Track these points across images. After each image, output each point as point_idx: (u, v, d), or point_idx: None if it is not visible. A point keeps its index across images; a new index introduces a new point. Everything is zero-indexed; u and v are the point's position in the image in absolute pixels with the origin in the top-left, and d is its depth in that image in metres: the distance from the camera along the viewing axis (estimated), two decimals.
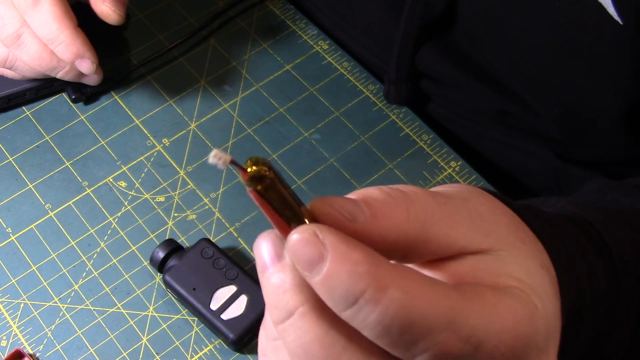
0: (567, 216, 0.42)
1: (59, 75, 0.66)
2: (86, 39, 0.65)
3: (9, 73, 0.67)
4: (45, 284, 0.61)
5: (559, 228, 0.38)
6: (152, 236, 0.63)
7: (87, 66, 0.66)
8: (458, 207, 0.31)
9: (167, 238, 0.62)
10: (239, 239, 0.63)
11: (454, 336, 0.28)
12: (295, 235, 0.28)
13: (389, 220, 0.29)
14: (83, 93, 0.69)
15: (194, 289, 0.58)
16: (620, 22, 0.50)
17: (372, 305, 0.27)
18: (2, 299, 0.60)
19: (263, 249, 0.29)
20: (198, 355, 0.58)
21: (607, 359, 0.41)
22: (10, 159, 0.67)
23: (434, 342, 0.28)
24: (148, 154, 0.67)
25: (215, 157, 0.29)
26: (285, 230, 0.29)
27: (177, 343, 0.58)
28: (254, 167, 0.29)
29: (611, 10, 0.49)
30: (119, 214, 0.64)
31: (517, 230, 0.33)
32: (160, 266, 0.60)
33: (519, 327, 0.29)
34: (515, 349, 0.29)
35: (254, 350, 0.58)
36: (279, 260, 0.29)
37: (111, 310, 0.60)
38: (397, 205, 0.30)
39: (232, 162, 0.29)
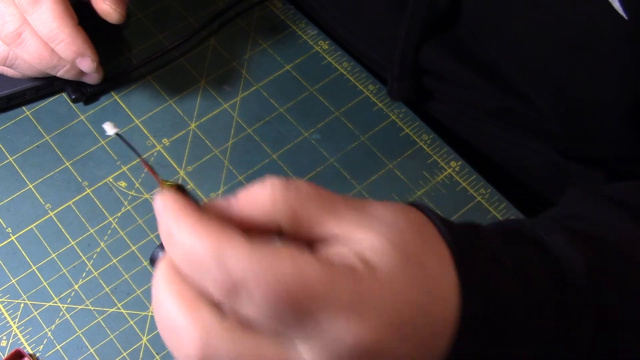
0: (516, 230, 0.43)
1: (59, 74, 0.66)
2: (87, 37, 0.65)
3: (9, 72, 0.67)
4: (45, 284, 0.61)
5: (488, 245, 0.39)
6: (152, 236, 0.63)
7: (87, 65, 0.65)
8: (344, 202, 0.37)
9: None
10: None
11: (221, 269, 0.33)
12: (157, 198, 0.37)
13: (252, 205, 0.37)
14: (83, 93, 0.69)
15: None
16: (625, 17, 0.50)
17: (170, 243, 0.35)
18: (2, 299, 0.60)
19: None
20: None
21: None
22: (10, 159, 0.67)
23: (211, 274, 0.34)
24: (148, 154, 0.67)
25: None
26: None
27: None
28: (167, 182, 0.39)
29: (616, 5, 0.49)
30: (119, 214, 0.64)
31: (406, 229, 0.36)
32: None
33: (303, 276, 0.33)
34: (296, 297, 0.33)
35: None
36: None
37: (111, 310, 0.60)
38: (265, 194, 0.36)
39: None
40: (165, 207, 0.36)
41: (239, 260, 0.33)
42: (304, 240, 0.36)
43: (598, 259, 0.41)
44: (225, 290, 0.34)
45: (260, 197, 0.37)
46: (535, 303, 0.39)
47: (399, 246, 0.35)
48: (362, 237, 0.36)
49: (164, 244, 0.36)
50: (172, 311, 0.35)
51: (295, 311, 0.33)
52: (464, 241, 0.38)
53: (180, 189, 0.39)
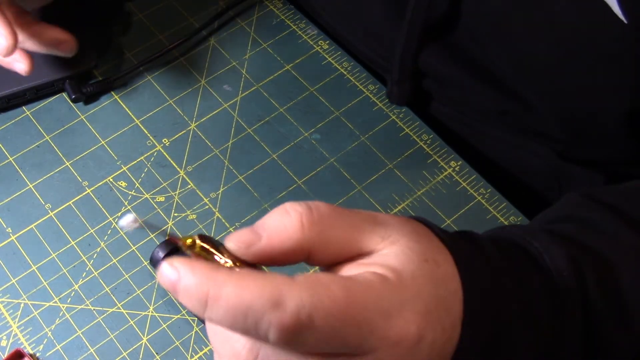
0: (516, 246, 0.44)
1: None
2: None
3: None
4: (45, 284, 0.61)
5: (484, 249, 0.41)
6: (152, 236, 0.63)
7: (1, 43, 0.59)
8: (360, 217, 0.38)
9: (167, 238, 0.62)
10: None
11: (283, 313, 0.33)
12: (161, 269, 0.35)
13: (282, 235, 0.36)
14: (83, 93, 0.69)
15: None
16: (625, 21, 0.50)
17: (216, 302, 0.34)
18: (2, 299, 0.60)
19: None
20: (198, 355, 0.58)
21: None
22: (10, 159, 0.67)
23: (270, 320, 0.33)
24: (148, 154, 0.67)
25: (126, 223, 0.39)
26: None
27: (177, 343, 0.58)
28: (188, 241, 0.38)
29: (616, 9, 0.49)
30: (119, 214, 0.64)
31: (418, 237, 0.38)
32: None
33: (351, 295, 0.34)
34: (351, 314, 0.34)
35: None
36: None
37: (111, 310, 0.60)
38: (292, 222, 0.36)
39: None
40: (195, 270, 0.35)
41: (297, 298, 0.34)
42: (332, 260, 0.38)
43: (582, 261, 0.43)
44: (286, 332, 0.34)
45: (288, 227, 0.37)
46: (528, 300, 0.41)
47: (417, 251, 0.38)
48: (386, 249, 0.37)
49: (197, 310, 0.35)
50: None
51: (356, 330, 0.35)
52: (461, 246, 0.40)
53: (204, 240, 0.38)
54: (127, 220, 0.39)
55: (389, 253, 0.37)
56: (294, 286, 0.34)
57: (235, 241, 0.37)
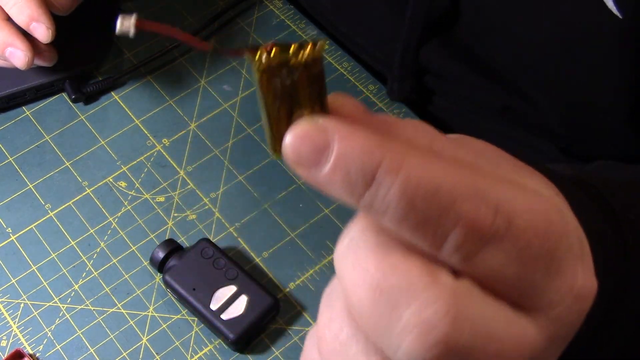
0: (569, 176, 0.39)
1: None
2: (43, 2, 0.61)
3: None
4: (45, 284, 0.61)
5: (564, 179, 0.36)
6: (152, 236, 0.63)
7: (42, 32, 0.62)
8: (459, 142, 0.30)
9: (167, 238, 0.62)
10: (239, 239, 0.63)
11: (482, 204, 0.25)
12: (292, 131, 0.26)
13: (400, 129, 0.28)
14: (83, 93, 0.69)
15: (194, 289, 0.58)
16: (620, 16, 0.50)
17: (392, 175, 0.25)
18: (2, 299, 0.60)
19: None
20: (198, 355, 0.58)
21: (615, 336, 0.38)
22: (10, 159, 0.67)
23: (463, 211, 0.25)
24: (148, 154, 0.67)
25: (121, 24, 0.27)
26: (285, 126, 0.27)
27: (177, 343, 0.58)
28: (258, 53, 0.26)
29: (610, 4, 0.49)
30: (119, 214, 0.64)
31: (523, 164, 0.31)
32: (160, 266, 0.60)
33: (551, 215, 0.27)
34: (551, 238, 0.27)
35: (253, 350, 0.58)
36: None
37: (111, 310, 0.60)
38: (405, 123, 0.29)
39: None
40: (359, 129, 0.26)
41: (500, 193, 0.26)
42: None
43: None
44: (477, 233, 0.26)
45: (402, 123, 0.29)
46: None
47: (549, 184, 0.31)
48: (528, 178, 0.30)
49: (352, 190, 0.26)
50: (399, 281, 0.26)
51: (546, 265, 0.27)
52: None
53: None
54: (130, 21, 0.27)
55: (524, 183, 0.29)
56: (496, 180, 0.27)
57: (353, 100, 0.28)
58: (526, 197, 0.27)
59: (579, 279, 0.28)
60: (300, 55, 0.26)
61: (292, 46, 0.26)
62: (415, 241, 0.26)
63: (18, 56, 0.62)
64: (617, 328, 0.38)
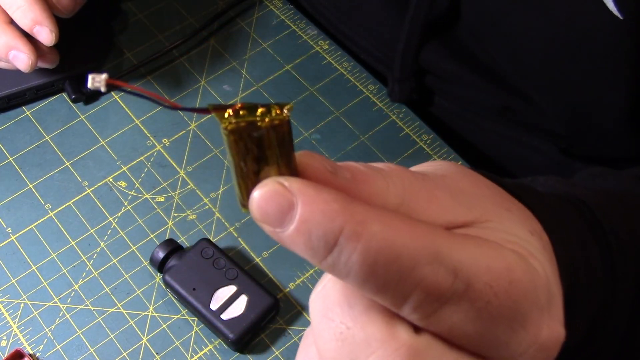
0: (558, 194, 0.40)
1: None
2: (45, 5, 0.62)
3: None
4: (45, 284, 0.61)
5: (550, 203, 0.36)
6: (152, 236, 0.63)
7: (45, 35, 0.62)
8: (436, 182, 0.30)
9: (167, 238, 0.62)
10: (239, 239, 0.63)
11: (442, 268, 0.26)
12: (258, 191, 0.27)
13: (369, 185, 0.28)
14: (83, 93, 0.69)
15: (194, 289, 0.58)
16: (620, 17, 0.50)
17: (353, 242, 0.26)
18: (2, 299, 0.60)
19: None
20: (198, 355, 0.58)
21: (601, 348, 0.38)
22: (10, 159, 0.67)
23: (422, 275, 0.26)
24: (148, 154, 0.67)
25: (91, 83, 0.28)
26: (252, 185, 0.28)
27: (177, 343, 0.58)
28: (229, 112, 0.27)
29: (610, 5, 0.49)
30: (119, 214, 0.64)
31: (502, 200, 0.31)
32: (160, 266, 0.60)
33: (513, 273, 0.28)
34: (512, 296, 0.27)
35: (253, 350, 0.58)
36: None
37: (111, 310, 0.60)
38: (375, 175, 0.29)
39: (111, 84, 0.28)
40: (323, 193, 0.26)
41: (458, 256, 0.27)
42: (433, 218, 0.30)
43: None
44: (436, 295, 0.26)
45: (374, 180, 0.29)
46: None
47: (522, 221, 0.31)
48: (493, 222, 0.30)
49: (315, 253, 0.26)
50: (359, 334, 0.27)
51: (509, 321, 0.28)
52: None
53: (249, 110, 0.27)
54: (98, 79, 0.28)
55: (495, 228, 0.29)
56: (456, 242, 0.27)
57: (319, 159, 0.28)
58: (488, 257, 0.28)
59: (543, 330, 0.28)
60: (268, 118, 0.27)
61: (260, 109, 0.27)
62: (377, 300, 0.27)
63: (21, 59, 0.62)
64: (601, 348, 0.38)
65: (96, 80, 0.27)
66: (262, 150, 0.27)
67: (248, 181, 0.28)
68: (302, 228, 0.26)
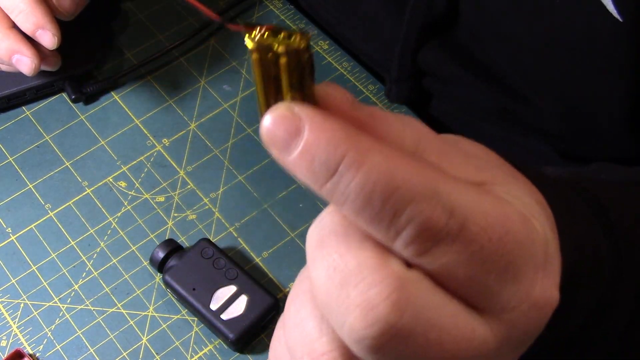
0: (563, 179, 0.40)
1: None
2: (47, 9, 0.62)
3: None
4: (45, 284, 0.61)
5: (555, 184, 0.36)
6: (152, 236, 0.63)
7: (48, 39, 0.62)
8: (450, 141, 0.31)
9: (167, 238, 0.62)
10: (239, 239, 0.63)
11: (438, 206, 0.27)
12: (268, 115, 0.28)
13: (386, 124, 0.29)
14: (83, 93, 0.69)
15: (194, 289, 0.58)
16: (620, 19, 0.50)
17: (353, 170, 0.26)
18: (2, 299, 0.60)
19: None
20: (198, 355, 0.58)
21: (604, 336, 0.38)
22: (10, 159, 0.67)
23: (418, 210, 0.26)
24: (148, 154, 0.67)
25: None
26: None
27: (177, 343, 0.58)
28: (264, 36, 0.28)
29: (610, 7, 0.49)
30: (119, 214, 0.64)
31: (511, 170, 0.32)
32: (160, 266, 0.60)
33: (511, 223, 0.28)
34: (506, 244, 0.28)
35: (253, 350, 0.58)
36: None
37: (111, 310, 0.60)
38: (394, 118, 0.29)
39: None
40: (329, 121, 0.27)
41: (456, 195, 0.27)
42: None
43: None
44: (430, 230, 0.27)
45: (391, 120, 0.29)
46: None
47: (546, 208, 0.32)
48: (501, 185, 0.30)
49: (316, 179, 0.27)
50: (351, 262, 0.28)
51: (501, 270, 0.28)
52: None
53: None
54: None
55: (502, 191, 0.30)
56: (457, 185, 0.27)
57: (340, 91, 0.29)
58: (487, 204, 0.28)
59: (537, 287, 0.29)
60: (285, 43, 0.27)
61: (282, 33, 0.27)
62: (370, 232, 0.28)
63: (25, 63, 0.63)
64: (604, 332, 0.38)
65: None
66: (278, 73, 0.28)
67: (267, 100, 0.28)
68: (306, 152, 0.27)
